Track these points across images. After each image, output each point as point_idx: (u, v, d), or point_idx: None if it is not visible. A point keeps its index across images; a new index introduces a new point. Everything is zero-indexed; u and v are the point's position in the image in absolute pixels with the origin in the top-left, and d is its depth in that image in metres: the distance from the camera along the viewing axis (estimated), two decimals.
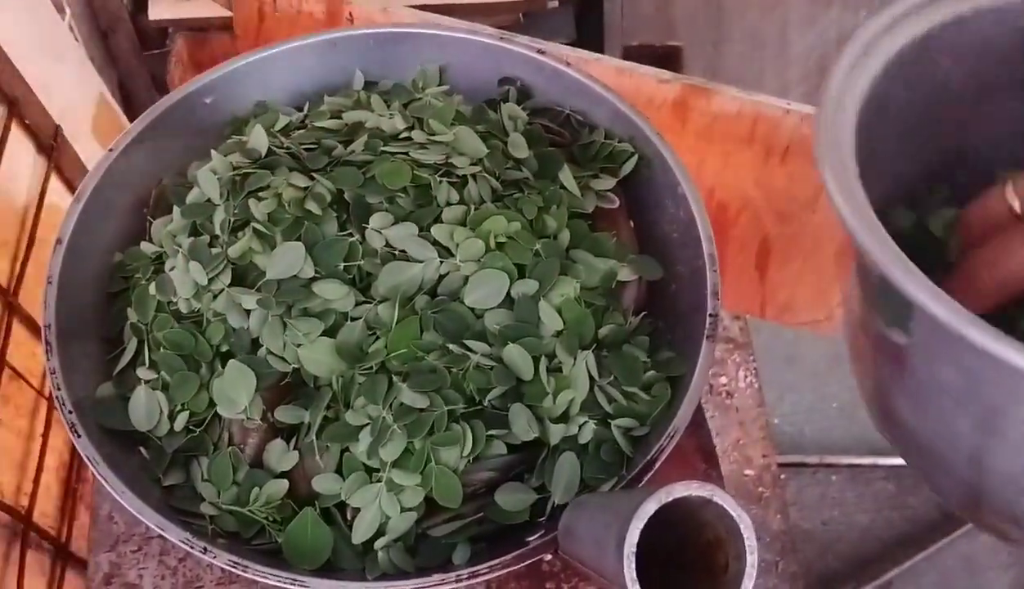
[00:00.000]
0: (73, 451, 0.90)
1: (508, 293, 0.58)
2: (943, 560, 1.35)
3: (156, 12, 1.04)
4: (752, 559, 0.42)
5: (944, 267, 0.55)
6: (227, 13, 1.00)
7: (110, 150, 0.66)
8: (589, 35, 1.39)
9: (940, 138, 0.56)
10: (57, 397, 0.57)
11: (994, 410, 0.42)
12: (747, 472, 1.02)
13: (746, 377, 1.04)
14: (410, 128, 0.65)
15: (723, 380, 1.04)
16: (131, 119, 1.12)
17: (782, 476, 1.05)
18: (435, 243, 0.58)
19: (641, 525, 0.41)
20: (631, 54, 0.96)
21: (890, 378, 0.48)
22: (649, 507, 0.41)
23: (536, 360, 0.56)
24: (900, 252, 0.41)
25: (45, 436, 0.84)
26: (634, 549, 0.41)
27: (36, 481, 0.81)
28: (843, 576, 1.33)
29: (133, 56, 1.14)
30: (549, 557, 0.54)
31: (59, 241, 0.62)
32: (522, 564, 0.53)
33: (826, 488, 1.39)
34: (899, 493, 1.40)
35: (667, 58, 0.97)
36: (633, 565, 0.41)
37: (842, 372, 1.48)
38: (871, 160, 0.48)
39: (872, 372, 0.51)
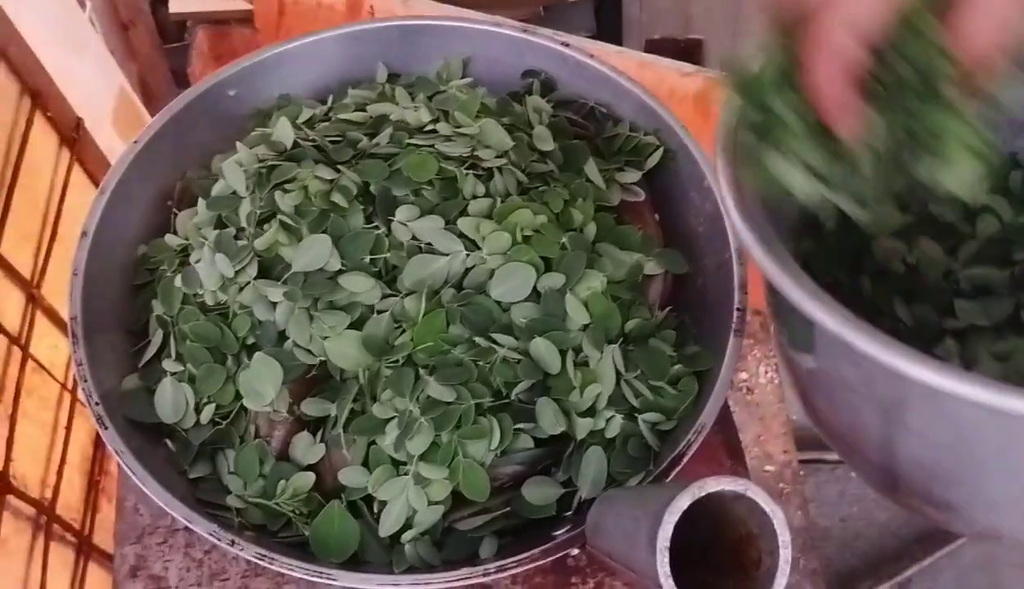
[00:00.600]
0: (96, 444, 0.91)
1: (534, 286, 0.58)
2: (961, 558, 1.35)
3: (176, 5, 1.04)
4: (786, 554, 0.42)
5: (866, 255, 0.57)
6: (247, 6, 1.00)
7: (135, 142, 0.66)
8: (607, 28, 1.38)
9: None
10: (84, 389, 0.57)
11: (893, 404, 0.43)
12: (768, 468, 1.02)
13: (767, 373, 1.04)
14: (435, 121, 0.65)
15: (743, 376, 1.03)
16: (151, 112, 1.12)
17: (801, 472, 1.04)
18: (461, 236, 0.58)
19: (674, 520, 0.41)
20: (653, 47, 0.95)
21: (804, 373, 0.49)
22: (682, 502, 0.41)
23: (563, 354, 0.56)
24: (790, 264, 0.42)
25: (68, 429, 0.85)
26: (667, 544, 0.41)
27: (59, 474, 0.82)
28: (862, 573, 1.33)
29: (153, 49, 1.14)
30: (576, 552, 0.54)
31: (84, 233, 0.62)
32: (549, 558, 0.53)
33: (845, 485, 1.39)
34: None
35: (689, 51, 0.97)
36: (667, 560, 0.40)
37: None
38: None
39: (790, 366, 0.52)
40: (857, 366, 0.43)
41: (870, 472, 0.51)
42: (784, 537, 0.42)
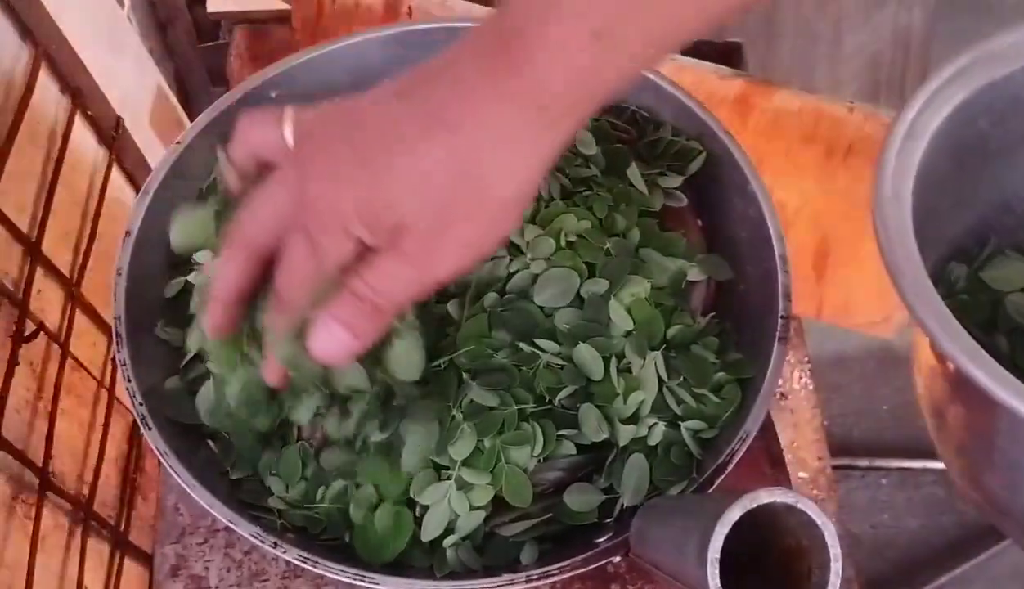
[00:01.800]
0: (131, 441, 0.91)
1: (578, 292, 0.57)
2: (993, 567, 1.33)
3: (214, 5, 1.04)
4: (836, 568, 0.42)
5: (1000, 313, 0.57)
6: (284, 6, 1.00)
7: (177, 143, 0.66)
8: None
9: (985, 193, 0.58)
10: (128, 389, 0.57)
11: None
12: (801, 474, 1.01)
13: (800, 379, 1.03)
14: None
15: (777, 381, 1.02)
16: (187, 111, 1.13)
17: (833, 479, 1.04)
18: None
19: (725, 531, 0.40)
20: (692, 50, 0.94)
21: (978, 453, 0.49)
22: (733, 514, 0.41)
23: (606, 360, 0.56)
24: (983, 355, 0.42)
25: (106, 426, 0.85)
26: (718, 555, 0.40)
27: (97, 471, 0.82)
28: (892, 581, 1.32)
29: (190, 48, 1.14)
30: (616, 559, 0.54)
31: (128, 233, 0.62)
32: (591, 566, 0.53)
33: (875, 491, 1.38)
34: (950, 497, 1.38)
35: (728, 55, 0.96)
36: (717, 572, 0.40)
37: (892, 374, 1.45)
38: (927, 230, 0.49)
39: (959, 445, 0.51)
40: None
41: None
42: (835, 551, 0.42)
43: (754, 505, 0.41)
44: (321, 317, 0.42)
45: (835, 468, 1.34)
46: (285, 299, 0.44)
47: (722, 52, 0.96)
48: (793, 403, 1.02)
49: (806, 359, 1.03)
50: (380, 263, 0.41)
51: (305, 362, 0.45)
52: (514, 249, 0.58)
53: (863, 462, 1.38)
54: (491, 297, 0.57)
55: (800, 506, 0.42)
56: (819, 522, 0.42)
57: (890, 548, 1.34)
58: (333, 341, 0.42)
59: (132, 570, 0.86)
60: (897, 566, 1.33)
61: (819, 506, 1.00)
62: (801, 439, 1.02)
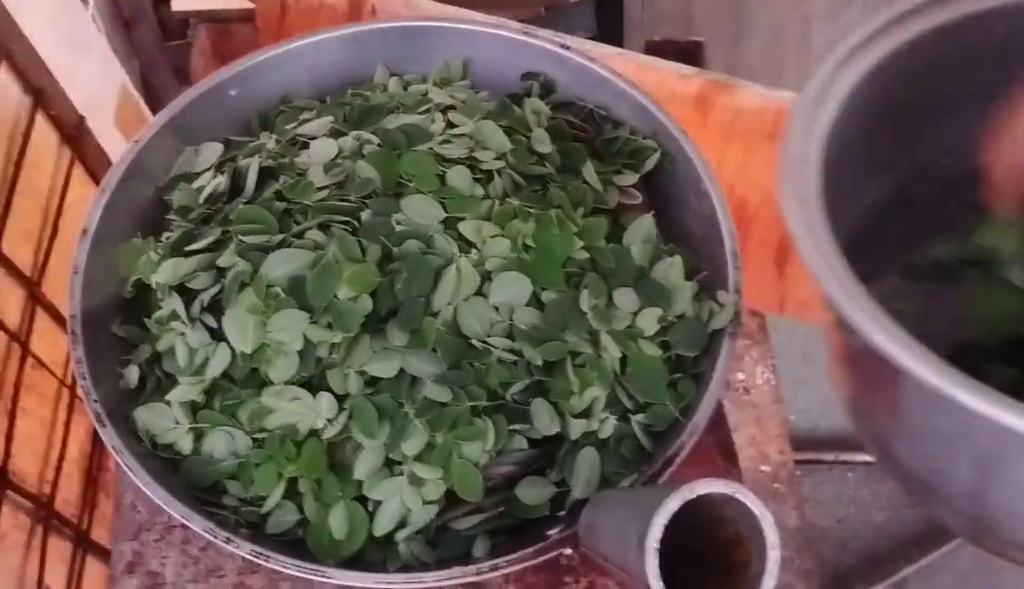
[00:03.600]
0: (94, 440, 0.91)
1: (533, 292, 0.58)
2: (958, 559, 1.35)
3: (179, 3, 1.04)
4: (774, 556, 0.43)
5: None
6: (249, 5, 1.00)
7: (135, 141, 0.66)
8: (608, 29, 1.38)
9: (901, 160, 0.56)
10: (82, 387, 0.57)
11: (990, 455, 0.42)
12: (763, 468, 1.02)
13: (763, 373, 1.04)
14: (432, 121, 0.65)
15: (740, 376, 1.03)
16: (153, 110, 1.13)
17: (797, 473, 1.05)
18: (459, 238, 0.58)
19: (664, 522, 0.41)
20: (654, 49, 0.95)
21: (886, 422, 0.49)
22: (672, 504, 0.41)
23: (562, 359, 0.56)
24: (886, 321, 0.40)
25: (67, 424, 0.85)
26: (657, 545, 0.41)
27: (58, 469, 0.82)
28: (858, 574, 1.33)
29: (155, 47, 1.14)
30: (568, 551, 0.54)
31: (85, 231, 0.62)
32: (542, 558, 0.53)
33: (841, 485, 1.39)
34: None
35: (689, 53, 0.97)
36: (656, 561, 0.41)
37: None
38: (838, 194, 0.48)
39: (867, 414, 0.51)
40: (951, 416, 0.41)
41: (953, 518, 0.50)
42: (772, 539, 0.42)
43: (693, 496, 0.41)
44: None
45: (801, 462, 1.35)
46: None
47: (684, 51, 0.97)
48: (756, 398, 1.03)
49: (770, 354, 1.04)
50: None
51: None
52: (467, 246, 0.58)
53: (829, 456, 1.39)
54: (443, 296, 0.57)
55: (738, 496, 0.42)
56: (756, 511, 0.42)
57: (856, 541, 1.36)
58: None
59: (94, 568, 0.86)
60: (862, 559, 1.35)
61: (780, 499, 1.00)
62: (763, 434, 1.03)
